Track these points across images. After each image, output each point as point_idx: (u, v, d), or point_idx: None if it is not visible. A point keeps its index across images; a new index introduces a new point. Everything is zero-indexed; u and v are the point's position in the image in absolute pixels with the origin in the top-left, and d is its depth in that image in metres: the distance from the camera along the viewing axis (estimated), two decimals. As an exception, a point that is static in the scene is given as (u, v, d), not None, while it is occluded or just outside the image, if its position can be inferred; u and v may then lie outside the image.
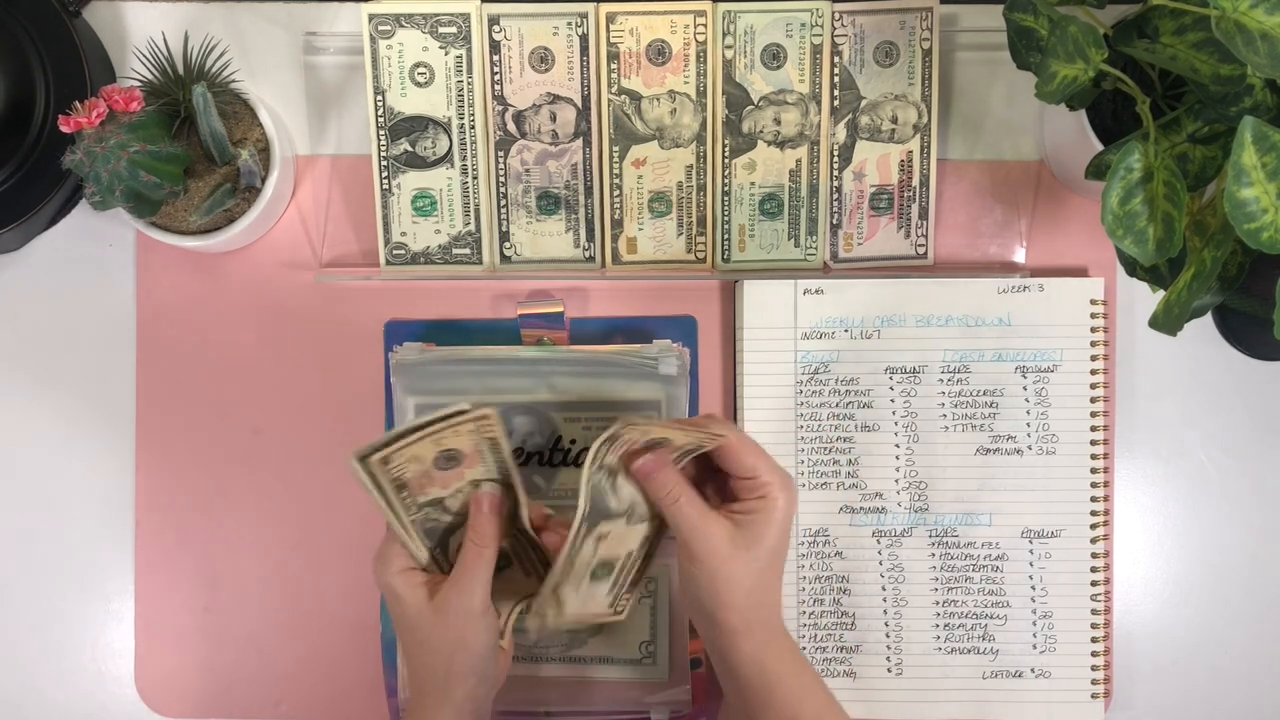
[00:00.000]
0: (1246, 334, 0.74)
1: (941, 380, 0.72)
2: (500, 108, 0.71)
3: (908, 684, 0.72)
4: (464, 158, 0.71)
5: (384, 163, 0.71)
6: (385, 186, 0.72)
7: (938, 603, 0.72)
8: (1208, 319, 0.74)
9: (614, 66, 0.71)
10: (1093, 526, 0.72)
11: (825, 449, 0.72)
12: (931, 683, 0.72)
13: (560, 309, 0.70)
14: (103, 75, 0.72)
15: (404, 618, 0.61)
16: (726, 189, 0.72)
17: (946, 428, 0.72)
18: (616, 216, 0.72)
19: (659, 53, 0.71)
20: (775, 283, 0.72)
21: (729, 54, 0.71)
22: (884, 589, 0.72)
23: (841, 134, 0.72)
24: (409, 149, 0.71)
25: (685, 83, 0.71)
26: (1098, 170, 0.60)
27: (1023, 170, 0.74)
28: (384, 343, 0.73)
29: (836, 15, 0.71)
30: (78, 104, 0.62)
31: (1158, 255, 0.56)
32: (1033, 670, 0.72)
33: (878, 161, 0.72)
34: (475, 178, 0.72)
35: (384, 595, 0.62)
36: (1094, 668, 0.72)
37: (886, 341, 0.72)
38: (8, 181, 0.69)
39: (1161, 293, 0.59)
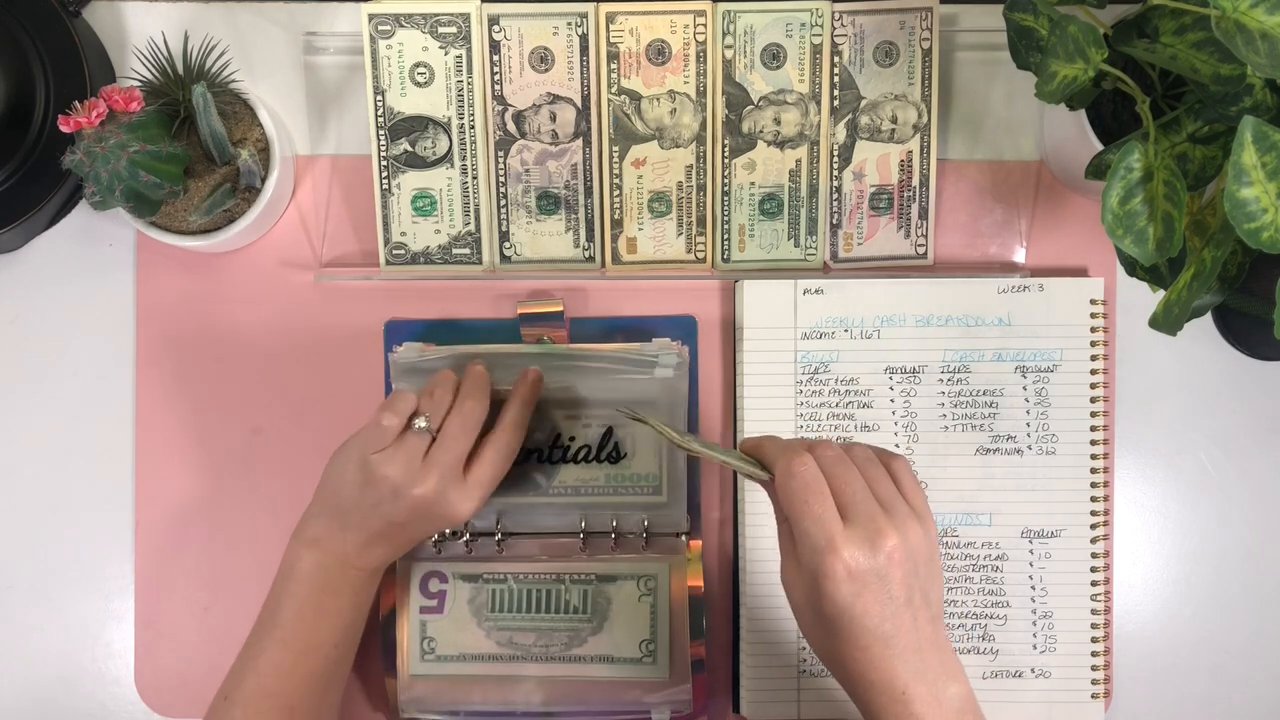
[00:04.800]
0: (1246, 334, 0.73)
1: (941, 380, 0.72)
2: (500, 108, 0.71)
3: (908, 684, 0.72)
4: (464, 158, 0.71)
5: (384, 163, 0.71)
6: (385, 186, 0.72)
7: (938, 603, 0.72)
8: (1208, 319, 0.74)
9: (614, 66, 0.71)
10: (1093, 526, 0.72)
11: (825, 449, 0.72)
12: (931, 683, 0.72)
13: (560, 308, 0.70)
14: (103, 75, 0.72)
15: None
16: (726, 189, 0.72)
17: (946, 428, 0.72)
18: (616, 216, 0.72)
19: (659, 53, 0.71)
20: (775, 283, 0.72)
21: (729, 54, 0.71)
22: (884, 589, 0.72)
23: (841, 134, 0.72)
24: (409, 149, 0.71)
25: (685, 83, 0.71)
26: (1098, 170, 0.60)
27: (1023, 170, 0.74)
28: (384, 342, 0.73)
29: (836, 15, 0.71)
30: (78, 104, 0.62)
31: (1158, 255, 0.56)
32: (1033, 670, 0.72)
33: (877, 161, 0.72)
34: (475, 178, 0.72)
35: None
36: (1094, 668, 0.72)
37: (886, 341, 0.72)
38: (8, 181, 0.69)
39: (1161, 293, 0.59)
